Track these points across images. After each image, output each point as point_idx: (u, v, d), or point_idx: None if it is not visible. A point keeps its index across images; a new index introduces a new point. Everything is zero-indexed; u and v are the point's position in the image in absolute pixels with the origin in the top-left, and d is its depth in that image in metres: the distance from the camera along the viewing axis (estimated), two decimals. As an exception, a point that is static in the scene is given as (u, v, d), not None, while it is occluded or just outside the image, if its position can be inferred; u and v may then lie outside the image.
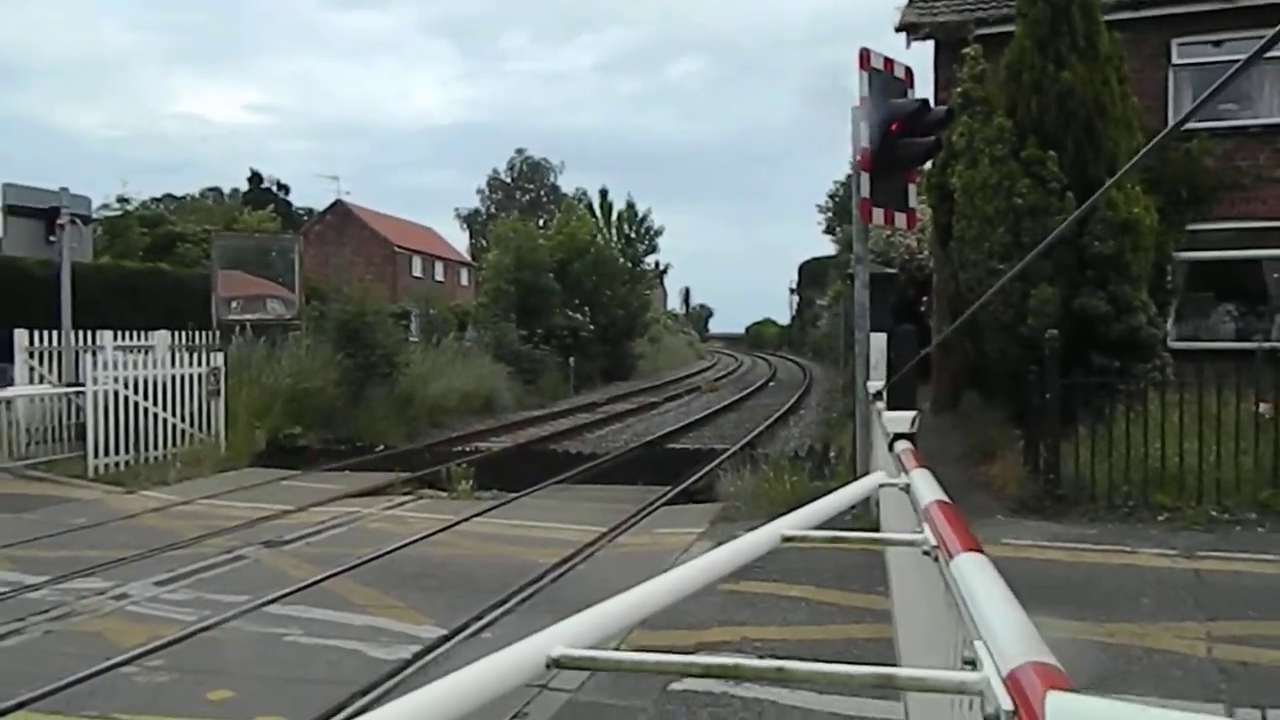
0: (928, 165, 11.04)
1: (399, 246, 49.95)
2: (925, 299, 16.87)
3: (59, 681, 4.65)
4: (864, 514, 7.22)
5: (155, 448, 11.89)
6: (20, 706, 4.40)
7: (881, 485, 3.25)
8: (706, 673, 1.35)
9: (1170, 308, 12.11)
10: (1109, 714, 0.76)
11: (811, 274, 53.41)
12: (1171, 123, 12.52)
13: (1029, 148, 9.45)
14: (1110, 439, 8.02)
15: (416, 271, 50.64)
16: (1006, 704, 1.09)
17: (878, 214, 8.21)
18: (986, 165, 9.60)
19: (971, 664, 1.31)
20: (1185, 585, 5.95)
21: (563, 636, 1.38)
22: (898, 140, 7.94)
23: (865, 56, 7.85)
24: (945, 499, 2.45)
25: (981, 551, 1.79)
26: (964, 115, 10.00)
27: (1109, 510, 7.81)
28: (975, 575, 1.61)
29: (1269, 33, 1.41)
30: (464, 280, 54.62)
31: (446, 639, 5.36)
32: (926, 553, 2.09)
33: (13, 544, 7.74)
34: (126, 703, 4.51)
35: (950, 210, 10.43)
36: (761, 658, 4.73)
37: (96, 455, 11.32)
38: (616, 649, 4.79)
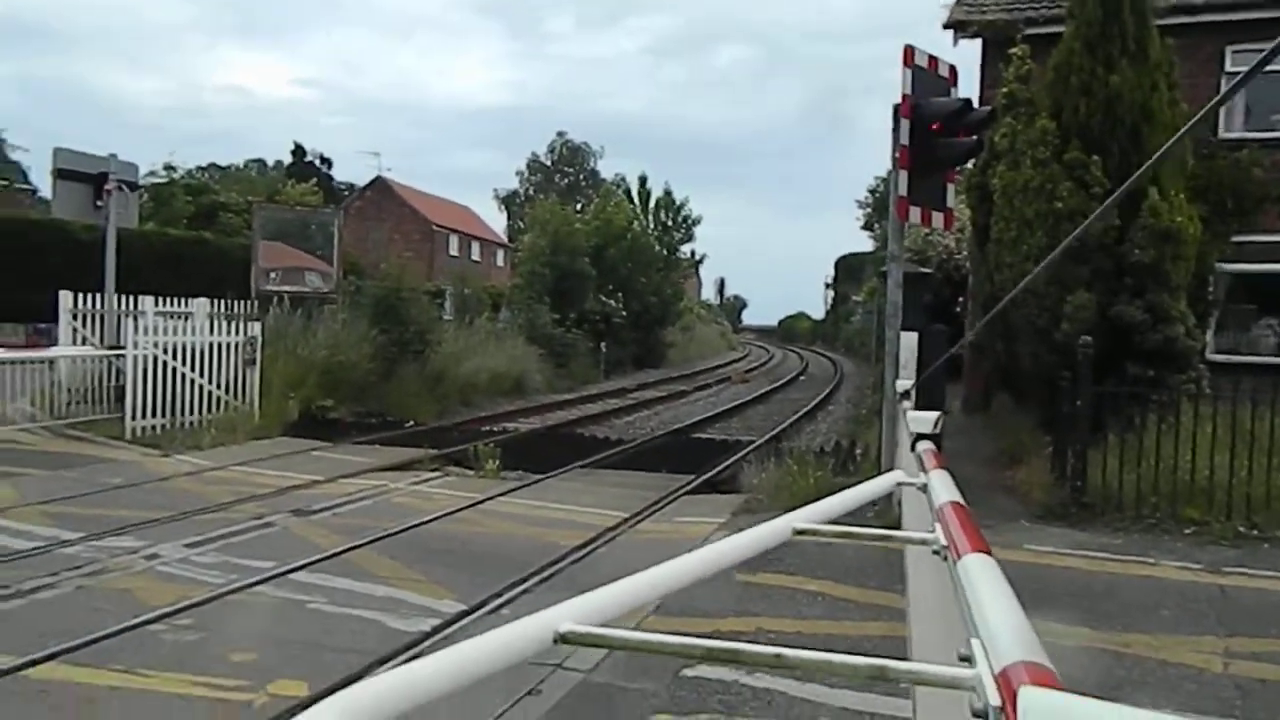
0: (968, 165, 10.95)
1: (437, 225, 50.25)
2: (961, 299, 16.73)
3: (89, 635, 4.80)
4: (886, 511, 7.24)
5: (191, 413, 12.12)
6: (52, 657, 4.55)
7: (900, 484, 3.27)
8: (708, 655, 1.39)
9: (1210, 319, 11.93)
10: (1080, 711, 0.79)
11: (848, 269, 53.09)
12: (1221, 131, 12.33)
13: (1072, 151, 9.34)
14: (1140, 449, 7.95)
15: (453, 250, 50.92)
16: (995, 700, 1.13)
17: (915, 212, 8.16)
18: (1028, 167, 9.51)
19: (968, 660, 1.34)
20: (1208, 600, 5.90)
21: (571, 613, 1.43)
22: (938, 139, 7.88)
23: (909, 53, 7.78)
24: (960, 500, 2.46)
25: (990, 554, 1.81)
26: (1008, 116, 9.91)
27: (1134, 521, 7.74)
28: (980, 576, 1.63)
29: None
30: (500, 261, 54.86)
31: (466, 614, 5.45)
32: (936, 552, 2.11)
33: (51, 500, 7.95)
34: (154, 659, 4.64)
35: (989, 211, 10.34)
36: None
37: (134, 418, 11.57)
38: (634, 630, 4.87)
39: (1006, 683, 1.14)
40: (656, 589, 1.69)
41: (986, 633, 1.34)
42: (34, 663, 4.47)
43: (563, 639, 1.39)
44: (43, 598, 5.53)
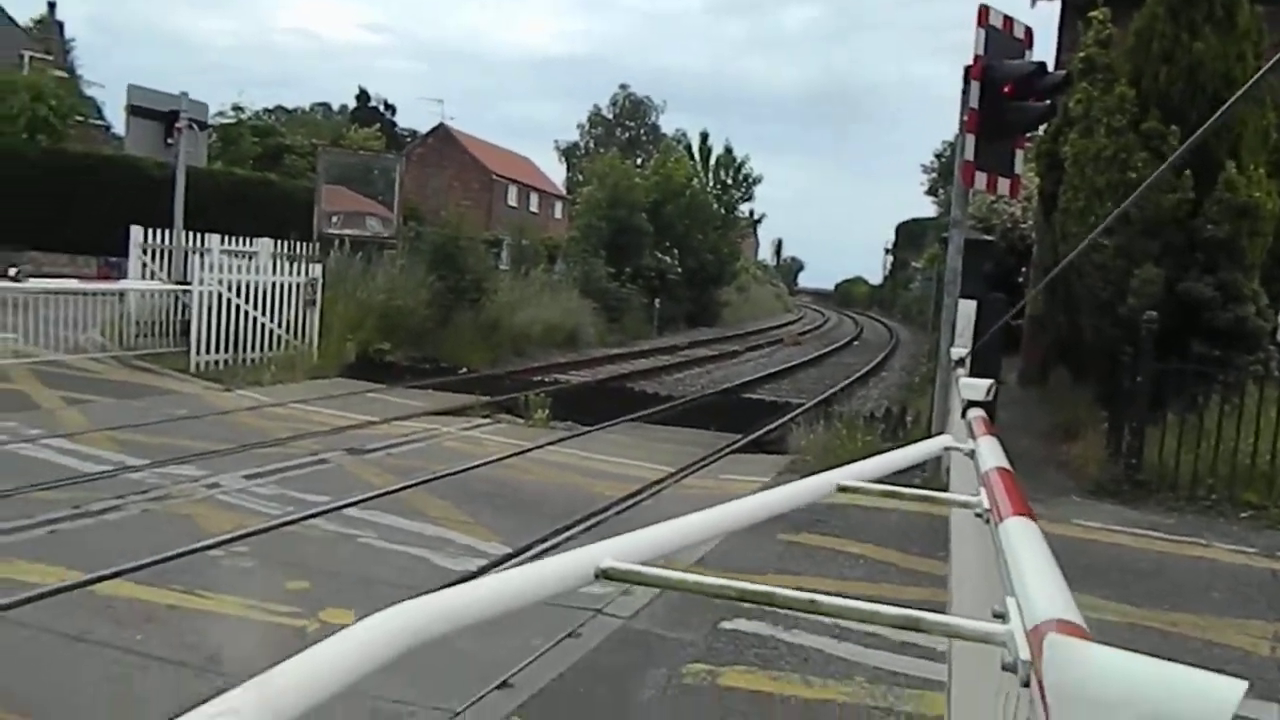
0: (1039, 131, 10.66)
1: (496, 174, 50.38)
2: (1025, 270, 16.39)
3: (152, 557, 5.00)
4: (934, 479, 7.20)
5: (253, 350, 12.43)
6: (117, 575, 4.76)
7: (947, 448, 3.25)
8: (742, 596, 1.42)
9: (1285, 300, 11.55)
10: (1104, 658, 0.80)
11: (909, 235, 52.16)
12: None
13: (1150, 120, 9.03)
14: (1200, 429, 7.77)
15: (512, 201, 51.08)
16: (1025, 655, 1.14)
17: (980, 178, 7.99)
18: (1102, 135, 9.23)
19: (1002, 618, 1.36)
20: (1259, 584, 5.80)
21: (613, 550, 1.47)
22: (1009, 103, 7.68)
23: (983, 13, 7.58)
24: (1006, 466, 2.45)
25: (1033, 518, 1.81)
26: (1084, 81, 9.60)
27: (1189, 502, 7.60)
28: (1020, 537, 1.64)
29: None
30: (557, 213, 54.91)
31: (510, 557, 5.57)
32: (979, 515, 2.12)
33: (118, 427, 8.25)
34: (212, 582, 4.83)
35: (1058, 180, 10.08)
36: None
37: (198, 352, 11.90)
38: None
39: (1038, 638, 1.15)
40: (698, 533, 1.72)
41: (1022, 590, 1.35)
42: (101, 579, 4.68)
43: (604, 574, 1.43)
44: (110, 519, 5.77)
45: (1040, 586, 1.33)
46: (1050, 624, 1.16)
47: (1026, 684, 1.13)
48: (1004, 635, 1.27)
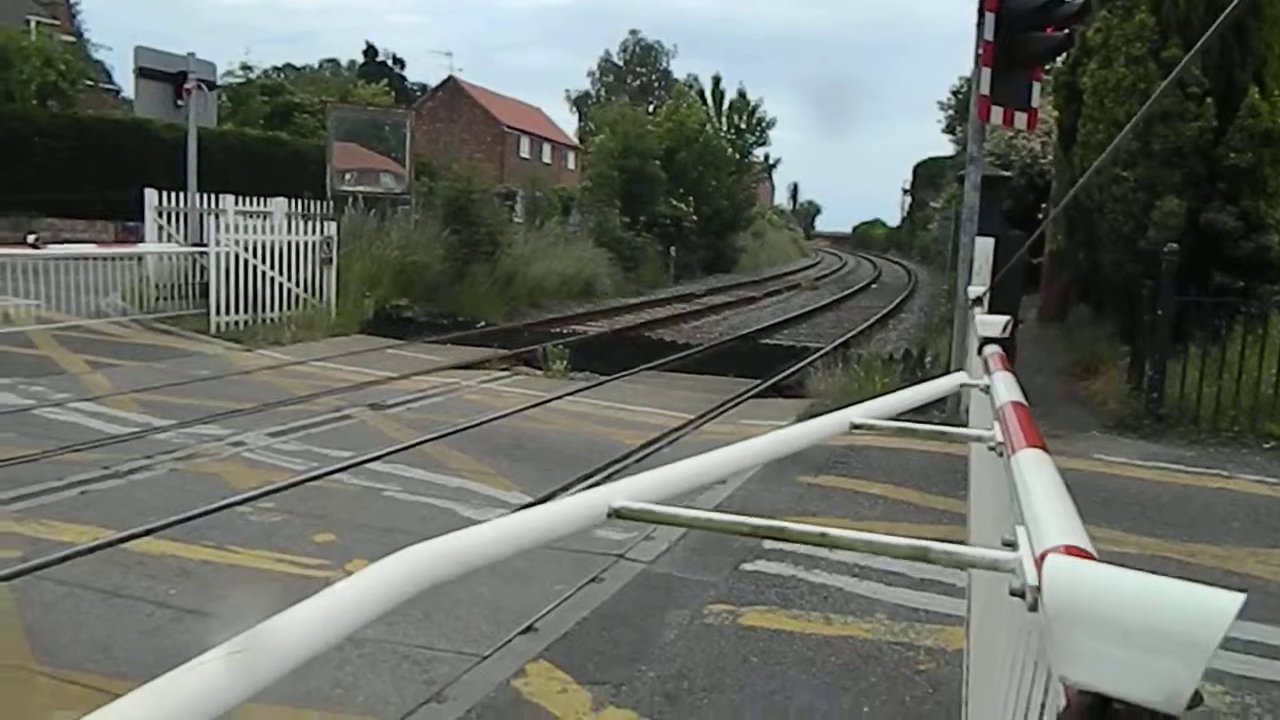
0: (1056, 63, 10.45)
1: (508, 126, 49.99)
2: (1044, 206, 16.18)
3: (182, 514, 5.11)
4: (953, 417, 7.21)
5: (272, 310, 12.51)
6: (149, 533, 4.86)
7: (962, 385, 3.25)
8: (754, 532, 1.44)
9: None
10: (1101, 577, 0.81)
11: (926, 175, 51.37)
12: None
13: (1170, 48, 8.82)
14: (1223, 361, 7.70)
15: (524, 152, 50.73)
16: (1032, 580, 1.15)
17: (996, 113, 7.85)
18: (1121, 65, 9.04)
19: (1011, 546, 1.37)
20: (1281, 514, 5.79)
21: (626, 491, 1.49)
22: (1025, 34, 7.52)
23: (999, -58, 7.38)
24: (1021, 400, 2.45)
25: (1046, 450, 1.81)
26: (1103, 9, 9.38)
27: (1211, 434, 7.56)
28: (1032, 468, 1.65)
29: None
30: (570, 164, 54.50)
31: (532, 505, 5.64)
32: (992, 448, 2.12)
33: (143, 389, 8.35)
34: (241, 538, 4.92)
35: (1077, 112, 9.90)
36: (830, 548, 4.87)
37: (218, 313, 11.99)
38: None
39: (1044, 562, 1.17)
40: (712, 472, 1.74)
41: (1032, 518, 1.36)
42: (133, 536, 4.79)
43: (616, 513, 1.45)
44: (139, 478, 5.88)
45: (1049, 514, 1.34)
46: (1058, 549, 1.18)
47: (1034, 608, 1.14)
48: (1012, 562, 1.28)
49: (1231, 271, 8.67)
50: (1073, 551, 1.14)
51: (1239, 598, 0.76)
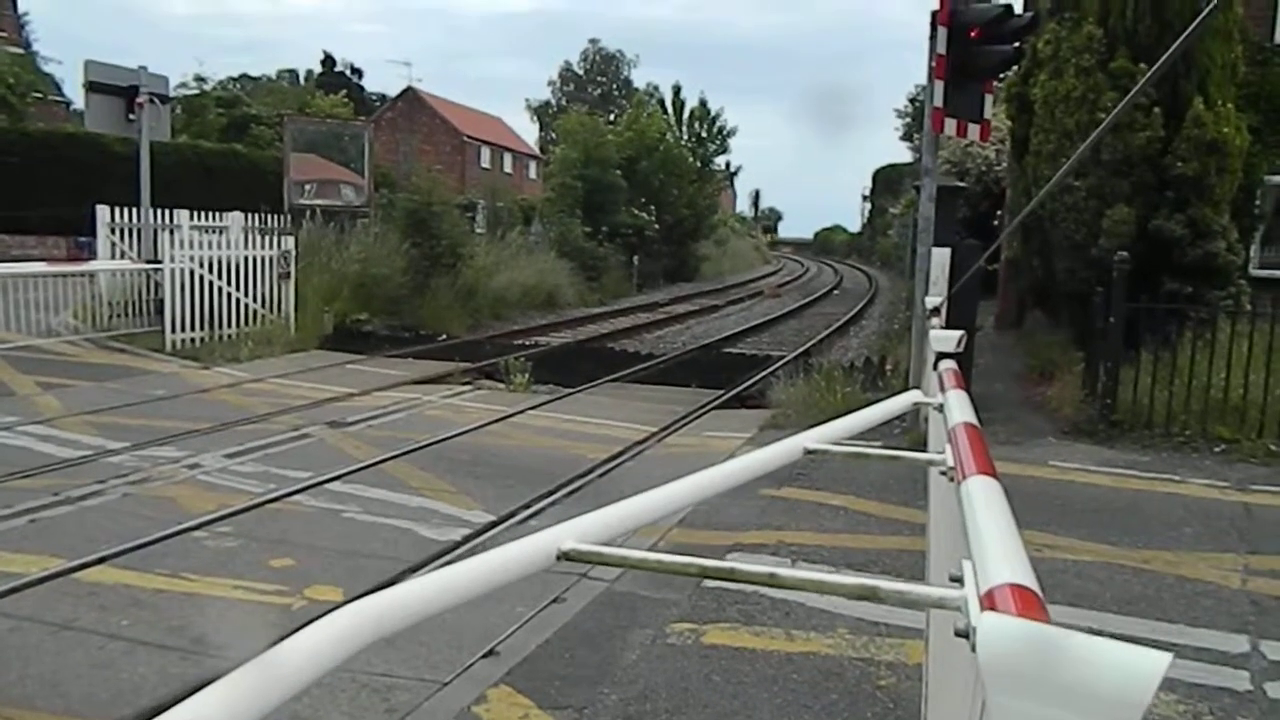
0: (1008, 74, 10.61)
1: (468, 136, 49.80)
2: (1000, 213, 16.42)
3: (136, 541, 5.00)
4: (914, 427, 7.28)
5: (229, 326, 12.33)
6: (101, 561, 4.76)
7: (916, 404, 3.28)
8: (703, 574, 1.44)
9: (1256, 234, 11.64)
10: (1035, 636, 0.82)
11: (886, 181, 52.04)
12: (1277, 36, 11.81)
13: (1119, 59, 9.00)
14: (1174, 366, 7.86)
15: (485, 163, 50.55)
16: (976, 622, 1.16)
17: (950, 124, 7.94)
18: (1071, 76, 9.20)
19: (959, 581, 1.38)
20: (1232, 518, 5.90)
21: (574, 532, 1.48)
22: (977, 47, 7.63)
23: (950, -44, 7.48)
24: (974, 422, 2.47)
25: (995, 477, 1.83)
26: (1052, 21, 9.55)
27: (1164, 439, 7.71)
28: (980, 498, 1.66)
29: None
30: (532, 174, 54.41)
31: (494, 524, 5.60)
32: (944, 473, 2.14)
33: (96, 410, 8.19)
34: (197, 564, 4.84)
35: (1029, 123, 10.06)
36: (793, 561, 4.88)
37: (174, 330, 11.80)
38: (653, 547, 4.97)
39: (990, 604, 1.17)
40: (661, 508, 1.74)
41: (978, 554, 1.37)
42: (84, 565, 4.68)
43: (565, 555, 1.44)
44: (91, 504, 5.75)
45: (995, 550, 1.35)
46: (1003, 589, 1.19)
47: (975, 649, 1.15)
48: (957, 600, 1.29)
49: (1181, 278, 8.85)
50: (1016, 591, 1.15)
51: (1167, 657, 0.77)
